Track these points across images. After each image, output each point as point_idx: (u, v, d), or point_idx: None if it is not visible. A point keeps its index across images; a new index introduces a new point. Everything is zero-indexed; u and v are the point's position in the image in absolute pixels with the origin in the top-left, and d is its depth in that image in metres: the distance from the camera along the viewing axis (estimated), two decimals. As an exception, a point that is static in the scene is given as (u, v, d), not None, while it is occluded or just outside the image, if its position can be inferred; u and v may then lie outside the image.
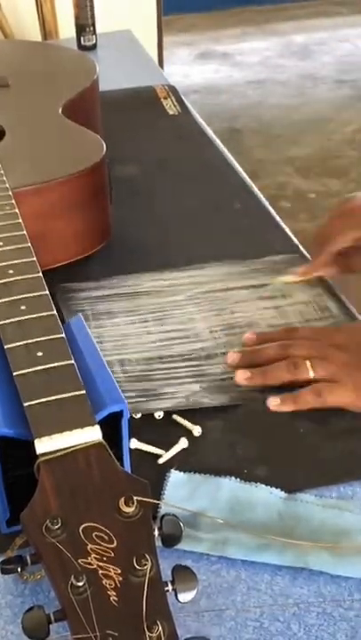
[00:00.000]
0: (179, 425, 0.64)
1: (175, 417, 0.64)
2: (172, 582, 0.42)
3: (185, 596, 0.42)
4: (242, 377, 0.68)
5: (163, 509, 0.52)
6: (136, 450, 0.61)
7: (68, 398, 0.51)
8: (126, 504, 0.44)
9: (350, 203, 0.79)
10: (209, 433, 0.63)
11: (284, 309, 0.77)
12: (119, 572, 0.41)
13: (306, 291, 0.79)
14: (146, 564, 0.41)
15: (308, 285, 0.80)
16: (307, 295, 0.79)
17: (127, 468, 0.55)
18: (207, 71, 3.67)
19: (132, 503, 0.44)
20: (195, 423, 0.64)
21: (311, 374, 0.66)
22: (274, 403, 0.65)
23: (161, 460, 0.61)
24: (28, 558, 0.44)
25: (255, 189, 1.00)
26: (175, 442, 0.62)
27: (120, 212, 0.90)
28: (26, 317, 0.58)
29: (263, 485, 0.58)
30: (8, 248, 0.67)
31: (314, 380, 0.66)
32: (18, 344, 0.55)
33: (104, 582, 0.40)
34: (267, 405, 0.65)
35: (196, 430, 0.63)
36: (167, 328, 0.75)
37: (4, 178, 0.78)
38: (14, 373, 0.53)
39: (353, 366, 0.66)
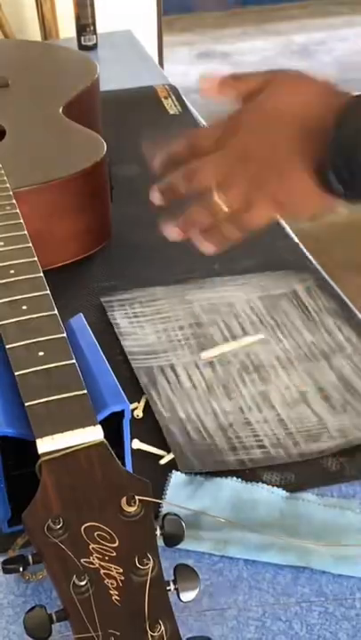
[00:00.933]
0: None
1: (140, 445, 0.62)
2: (174, 581, 0.42)
3: (187, 596, 0.42)
4: (173, 233, 0.66)
5: (164, 509, 0.52)
6: (138, 450, 0.61)
7: (69, 398, 0.51)
8: (128, 504, 0.44)
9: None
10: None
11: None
12: (121, 571, 0.41)
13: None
14: (148, 564, 0.41)
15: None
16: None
17: (129, 467, 0.55)
18: (207, 71, 3.67)
19: (134, 503, 0.44)
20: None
21: (225, 208, 0.61)
22: (207, 249, 0.64)
23: (163, 461, 0.60)
24: (30, 558, 0.44)
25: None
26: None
27: (120, 212, 0.90)
28: (27, 317, 0.58)
29: (265, 485, 0.58)
30: (9, 248, 0.67)
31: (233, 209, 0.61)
32: (19, 344, 0.55)
33: (106, 582, 0.40)
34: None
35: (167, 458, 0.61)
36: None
37: (5, 178, 0.78)
38: (15, 373, 0.53)
39: (265, 177, 0.60)
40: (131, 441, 0.54)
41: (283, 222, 0.92)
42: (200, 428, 0.64)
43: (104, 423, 0.49)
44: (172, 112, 1.21)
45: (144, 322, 0.76)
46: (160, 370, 0.70)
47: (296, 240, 0.89)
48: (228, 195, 0.61)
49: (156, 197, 0.67)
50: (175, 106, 1.23)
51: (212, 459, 0.61)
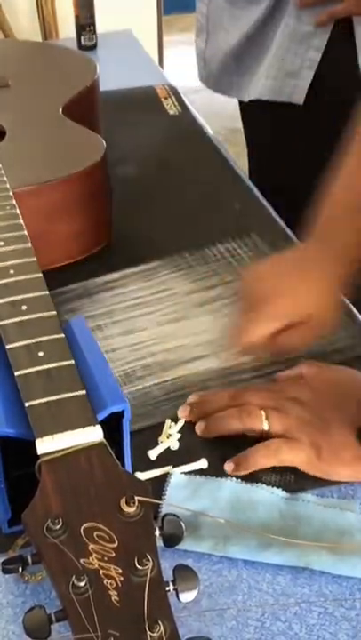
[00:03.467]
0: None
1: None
2: (174, 582, 0.42)
3: (186, 596, 0.42)
4: (199, 429, 0.63)
5: (164, 509, 0.52)
6: (138, 450, 0.61)
7: (69, 398, 0.51)
8: (127, 504, 0.44)
9: (259, 289, 0.70)
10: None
11: None
12: (120, 571, 0.41)
13: None
14: (147, 564, 0.41)
15: None
16: None
17: (128, 468, 0.55)
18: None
19: (134, 503, 0.44)
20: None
21: (265, 426, 0.61)
22: (228, 468, 0.60)
23: (177, 470, 0.60)
24: (30, 558, 0.44)
25: (255, 189, 1.00)
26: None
27: (120, 212, 0.90)
28: (27, 317, 0.58)
29: (264, 485, 0.58)
30: (9, 248, 0.67)
31: (266, 434, 0.61)
32: (19, 344, 0.55)
33: (105, 582, 0.40)
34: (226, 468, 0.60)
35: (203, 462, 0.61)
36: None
37: (5, 178, 0.78)
38: (15, 373, 0.53)
39: (309, 423, 0.61)
40: (130, 441, 0.54)
41: (282, 222, 0.93)
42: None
43: (103, 423, 0.50)
44: (171, 112, 1.21)
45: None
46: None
47: (296, 240, 0.89)
48: (270, 418, 0.61)
49: (183, 411, 0.65)
50: (175, 106, 1.23)
51: None
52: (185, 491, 0.58)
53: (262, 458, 0.60)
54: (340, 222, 0.70)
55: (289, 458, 0.59)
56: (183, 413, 0.65)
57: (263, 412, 0.61)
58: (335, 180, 0.71)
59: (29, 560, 0.44)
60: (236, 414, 0.62)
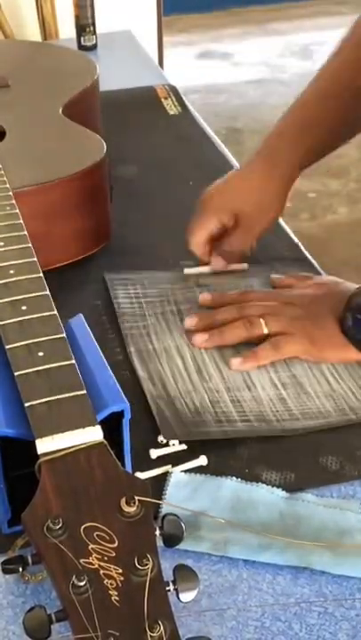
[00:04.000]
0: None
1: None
2: (174, 582, 0.42)
3: (186, 596, 0.42)
4: (200, 340, 0.71)
5: (164, 509, 0.52)
6: (137, 450, 0.61)
7: (69, 398, 0.51)
8: (127, 504, 0.44)
9: (207, 193, 0.82)
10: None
11: None
12: (120, 571, 0.41)
13: None
14: (147, 564, 0.41)
15: None
16: None
17: (128, 468, 0.55)
18: (207, 71, 3.67)
19: (134, 503, 0.44)
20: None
21: (265, 330, 0.70)
22: (236, 362, 0.69)
23: (177, 469, 0.60)
24: (30, 558, 0.44)
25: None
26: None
27: (120, 212, 0.90)
28: (27, 317, 0.58)
29: (264, 485, 0.58)
30: (9, 248, 0.67)
31: (268, 336, 0.70)
32: (19, 344, 0.55)
33: (105, 582, 0.40)
34: (230, 365, 0.69)
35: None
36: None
37: (5, 178, 0.78)
38: (15, 373, 0.53)
39: (303, 318, 0.70)
40: (130, 441, 0.54)
41: (282, 222, 0.92)
42: (187, 402, 0.65)
43: (103, 423, 0.50)
44: (171, 112, 1.21)
45: (144, 303, 0.78)
46: (154, 350, 0.71)
47: (296, 240, 0.89)
48: (269, 323, 0.71)
49: (191, 321, 0.73)
50: (175, 106, 1.23)
51: (196, 429, 0.62)
52: (185, 490, 0.58)
53: (266, 351, 0.69)
54: (286, 140, 0.80)
55: (288, 349, 0.69)
56: (190, 322, 0.73)
57: (262, 320, 0.70)
58: (297, 96, 0.81)
59: (29, 560, 0.44)
60: (241, 325, 0.71)
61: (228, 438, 0.62)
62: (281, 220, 0.93)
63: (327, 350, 0.70)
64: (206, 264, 0.82)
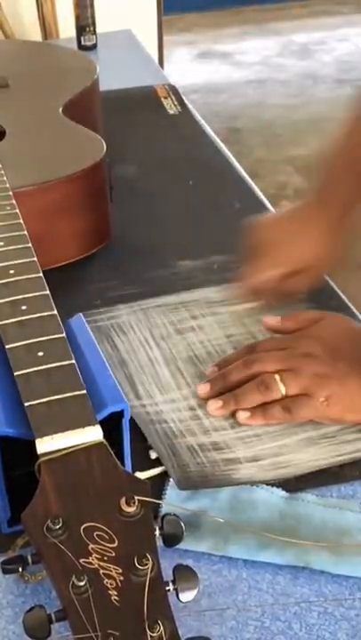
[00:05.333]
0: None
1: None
2: (174, 582, 0.42)
3: (186, 596, 0.42)
4: (213, 407, 0.64)
5: (164, 509, 0.52)
6: (137, 450, 0.61)
7: (68, 398, 0.51)
8: (127, 504, 0.44)
9: (266, 238, 0.77)
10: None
11: None
12: (120, 571, 0.41)
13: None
14: (147, 564, 0.41)
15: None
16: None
17: (128, 467, 0.55)
18: (207, 71, 3.67)
19: (133, 503, 0.44)
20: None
21: (283, 391, 0.63)
22: (243, 416, 0.63)
23: (141, 476, 0.59)
24: (29, 558, 0.44)
25: (255, 189, 1.00)
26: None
27: (120, 212, 0.90)
28: (26, 317, 0.58)
29: (264, 485, 0.58)
30: (9, 248, 0.67)
31: (285, 397, 0.63)
32: (19, 344, 0.55)
33: (105, 582, 0.40)
34: (237, 417, 0.63)
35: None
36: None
37: (5, 178, 0.78)
38: (15, 373, 0.53)
39: (327, 376, 0.63)
40: (130, 441, 0.54)
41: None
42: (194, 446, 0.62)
43: (103, 423, 0.50)
44: (171, 112, 1.21)
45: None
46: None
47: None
48: (287, 382, 0.63)
49: (203, 388, 0.66)
50: (175, 106, 1.23)
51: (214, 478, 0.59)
52: (185, 490, 0.58)
53: (277, 414, 0.63)
54: (339, 182, 0.77)
55: (303, 413, 0.63)
56: (203, 391, 0.66)
57: (278, 377, 0.63)
58: (339, 138, 0.78)
59: (29, 560, 0.44)
60: (256, 388, 0.64)
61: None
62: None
63: (348, 414, 0.63)
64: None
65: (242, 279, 0.77)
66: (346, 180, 0.76)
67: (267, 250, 0.76)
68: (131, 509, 0.44)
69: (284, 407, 0.63)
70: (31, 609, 0.41)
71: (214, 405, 0.64)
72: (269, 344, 0.68)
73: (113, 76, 1.25)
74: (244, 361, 0.66)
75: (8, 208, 0.73)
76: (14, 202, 0.74)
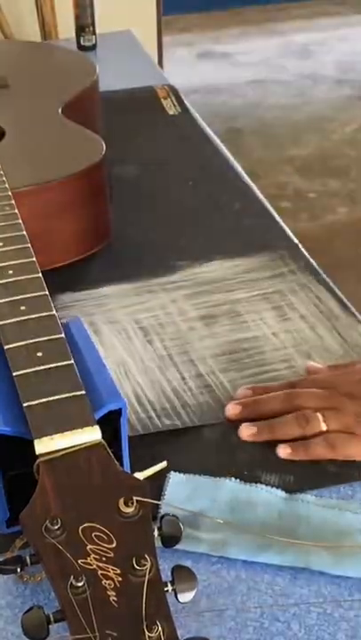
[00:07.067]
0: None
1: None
2: (172, 582, 0.42)
3: (185, 597, 0.42)
4: (247, 433, 0.62)
5: (163, 510, 0.52)
6: (136, 450, 0.61)
7: (67, 398, 0.51)
8: (126, 504, 0.44)
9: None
10: (210, 433, 0.63)
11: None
12: (119, 572, 0.41)
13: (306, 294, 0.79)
14: (145, 565, 0.41)
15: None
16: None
17: (127, 468, 0.55)
18: (207, 71, 3.67)
19: (132, 503, 0.44)
20: (196, 426, 0.63)
21: (324, 428, 0.62)
22: (285, 451, 0.61)
23: (140, 476, 0.59)
24: (28, 559, 0.44)
25: (255, 189, 1.00)
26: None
27: (120, 212, 0.90)
28: (25, 318, 0.58)
29: (263, 485, 0.58)
30: (8, 248, 0.67)
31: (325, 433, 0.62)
32: (17, 344, 0.55)
33: (103, 582, 0.40)
34: (276, 451, 0.61)
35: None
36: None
37: (4, 178, 0.78)
38: (14, 374, 0.53)
39: None
40: (128, 440, 0.54)
41: (282, 223, 0.92)
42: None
43: (102, 423, 0.49)
44: (171, 112, 1.21)
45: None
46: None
47: (296, 241, 0.89)
48: (328, 420, 0.62)
49: (234, 409, 0.64)
50: (175, 106, 1.23)
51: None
52: (184, 491, 0.58)
53: (321, 450, 0.61)
54: None
55: (348, 452, 0.61)
56: (233, 412, 0.64)
57: (320, 415, 0.62)
58: None
59: (28, 561, 0.44)
60: (295, 421, 0.62)
61: (226, 443, 0.62)
62: (280, 220, 0.93)
63: None
64: None
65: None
66: None
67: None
68: (129, 510, 0.43)
69: (328, 443, 0.61)
70: (29, 609, 0.41)
71: (249, 432, 0.62)
72: (312, 381, 0.66)
73: (113, 76, 1.25)
74: (285, 393, 0.64)
75: (7, 208, 0.73)
76: (13, 202, 0.74)
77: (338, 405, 0.62)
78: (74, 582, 0.40)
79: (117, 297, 0.79)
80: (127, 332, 0.74)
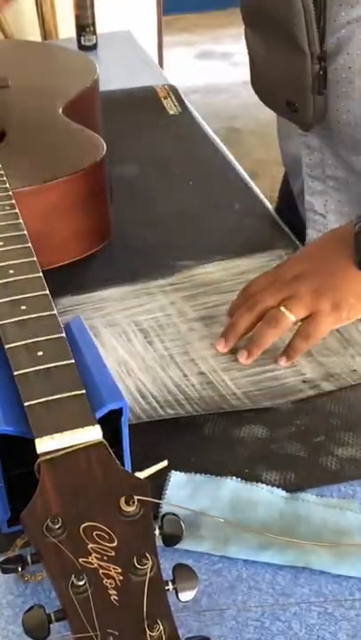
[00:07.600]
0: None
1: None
2: (173, 581, 0.42)
3: (186, 596, 0.42)
4: (242, 359, 0.68)
5: (164, 509, 0.52)
6: (137, 450, 0.61)
7: (68, 398, 0.51)
8: (127, 503, 0.44)
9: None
10: (211, 433, 0.63)
11: None
12: (120, 571, 0.41)
13: None
14: (146, 564, 0.41)
15: None
16: None
17: (128, 467, 0.55)
18: (207, 71, 3.67)
19: (133, 502, 0.44)
20: (197, 425, 0.64)
21: (293, 318, 0.67)
22: (283, 363, 0.67)
23: (141, 475, 0.59)
24: (29, 558, 0.44)
25: (255, 189, 1.00)
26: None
27: (120, 212, 0.90)
28: (26, 317, 0.58)
29: (264, 485, 0.58)
30: (8, 248, 0.67)
31: (297, 323, 0.67)
32: (18, 344, 0.55)
33: (105, 582, 0.40)
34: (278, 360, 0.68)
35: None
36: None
37: (4, 178, 0.78)
38: (15, 373, 0.53)
39: (322, 287, 0.66)
40: (129, 440, 0.54)
41: (282, 223, 0.93)
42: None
43: (103, 423, 0.49)
44: (171, 112, 1.21)
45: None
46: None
47: (296, 241, 0.89)
48: (292, 309, 0.67)
49: (220, 344, 0.70)
50: (175, 106, 1.23)
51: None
52: (185, 490, 0.58)
53: (301, 344, 0.67)
54: None
55: (320, 330, 0.67)
56: (220, 346, 0.70)
57: (283, 309, 0.67)
58: None
59: (29, 560, 0.44)
60: (267, 326, 0.67)
61: (226, 439, 0.62)
62: (280, 221, 0.93)
63: (357, 306, 0.67)
64: None
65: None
66: None
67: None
68: (130, 509, 0.43)
69: (303, 336, 0.66)
70: (30, 609, 0.41)
71: (242, 357, 0.68)
72: (261, 282, 0.71)
73: (113, 76, 1.26)
74: (246, 306, 0.69)
75: (8, 208, 0.73)
76: (14, 202, 0.74)
77: (292, 291, 0.67)
78: (75, 581, 0.40)
79: (117, 300, 0.79)
80: (127, 334, 0.74)
